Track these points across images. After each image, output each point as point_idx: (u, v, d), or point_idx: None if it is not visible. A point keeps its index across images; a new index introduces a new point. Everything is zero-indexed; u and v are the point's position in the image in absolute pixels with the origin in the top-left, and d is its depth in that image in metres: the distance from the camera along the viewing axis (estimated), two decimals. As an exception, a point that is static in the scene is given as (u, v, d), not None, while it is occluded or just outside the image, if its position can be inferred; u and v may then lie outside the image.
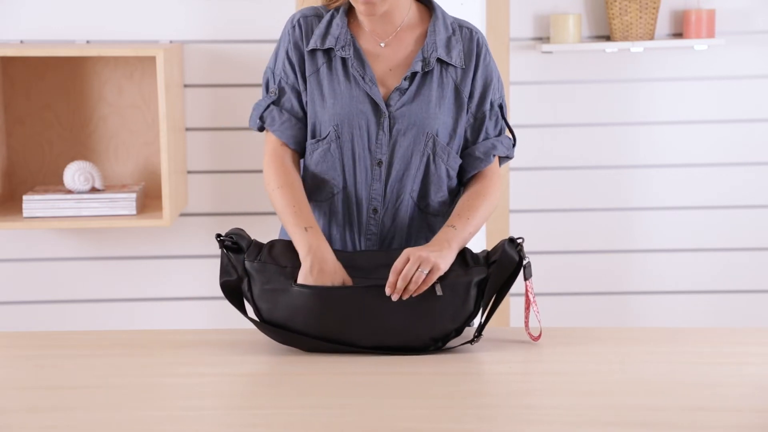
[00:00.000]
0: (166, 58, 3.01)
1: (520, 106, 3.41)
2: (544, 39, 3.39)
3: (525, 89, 3.41)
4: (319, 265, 1.92)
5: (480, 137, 2.11)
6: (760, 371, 1.79)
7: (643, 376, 1.77)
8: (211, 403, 1.69)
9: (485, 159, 2.10)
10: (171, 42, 3.26)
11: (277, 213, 2.05)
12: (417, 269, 1.87)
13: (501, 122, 2.13)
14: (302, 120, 2.11)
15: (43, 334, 2.10)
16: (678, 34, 3.40)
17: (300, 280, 1.92)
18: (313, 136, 2.09)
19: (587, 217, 3.48)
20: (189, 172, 3.33)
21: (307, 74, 2.08)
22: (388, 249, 2.09)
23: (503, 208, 3.44)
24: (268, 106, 2.11)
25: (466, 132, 2.11)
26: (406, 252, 1.91)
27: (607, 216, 3.48)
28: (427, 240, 2.09)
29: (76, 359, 1.88)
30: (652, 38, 3.33)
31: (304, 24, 2.10)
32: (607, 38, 3.40)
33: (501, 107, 2.13)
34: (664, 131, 3.45)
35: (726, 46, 3.38)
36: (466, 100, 2.09)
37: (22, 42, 3.23)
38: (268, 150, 2.11)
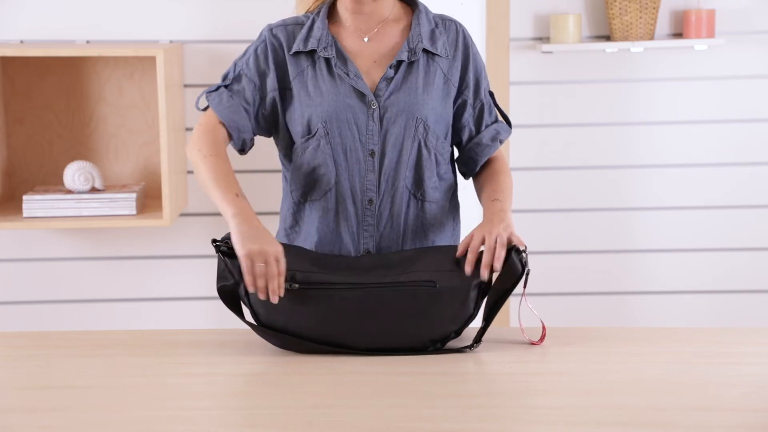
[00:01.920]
0: (166, 58, 3.01)
1: (520, 106, 3.41)
2: (544, 39, 3.39)
3: (525, 89, 3.41)
4: (248, 223, 1.92)
5: (483, 125, 2.19)
6: (760, 371, 1.79)
7: (643, 376, 1.77)
8: (210, 403, 1.69)
9: (493, 144, 2.19)
10: (171, 42, 3.26)
11: (202, 179, 2.04)
12: (496, 242, 1.93)
13: (494, 109, 2.21)
14: (248, 110, 2.11)
15: (43, 334, 2.10)
16: (678, 34, 3.40)
17: (234, 240, 1.90)
18: (303, 135, 2.11)
19: (587, 217, 3.48)
20: (189, 172, 3.33)
21: (291, 77, 2.11)
22: (383, 253, 2.10)
23: (503, 208, 3.44)
24: (218, 88, 2.12)
25: (468, 123, 2.18)
26: (477, 232, 1.95)
27: (607, 216, 3.48)
28: (423, 226, 2.12)
29: (76, 359, 1.88)
30: (652, 38, 3.33)
31: (284, 31, 2.13)
32: (607, 38, 3.40)
33: (491, 94, 2.21)
34: (664, 131, 3.45)
35: (726, 46, 3.38)
36: (454, 89, 2.14)
37: (22, 42, 3.23)
38: (202, 122, 2.11)
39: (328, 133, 2.08)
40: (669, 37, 3.41)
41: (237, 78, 2.12)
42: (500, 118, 2.23)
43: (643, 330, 2.06)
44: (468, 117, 2.18)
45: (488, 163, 2.21)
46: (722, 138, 3.45)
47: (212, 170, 2.02)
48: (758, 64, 3.41)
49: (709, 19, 3.29)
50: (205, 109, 2.14)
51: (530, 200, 3.47)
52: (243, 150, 2.16)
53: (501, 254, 1.92)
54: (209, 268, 3.35)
